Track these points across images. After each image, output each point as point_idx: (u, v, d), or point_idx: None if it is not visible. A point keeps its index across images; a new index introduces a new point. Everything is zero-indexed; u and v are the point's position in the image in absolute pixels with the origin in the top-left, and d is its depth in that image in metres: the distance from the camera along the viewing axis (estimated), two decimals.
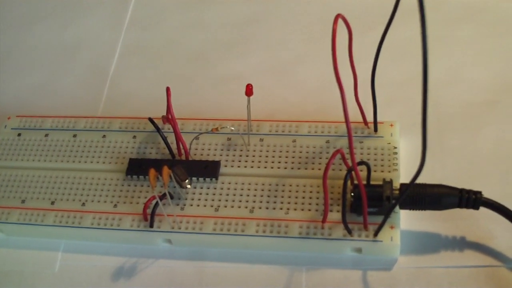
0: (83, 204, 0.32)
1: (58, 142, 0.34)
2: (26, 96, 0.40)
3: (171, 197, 0.31)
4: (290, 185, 0.30)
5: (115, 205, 0.31)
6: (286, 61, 0.39)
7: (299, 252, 0.30)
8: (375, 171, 0.30)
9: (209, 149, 0.33)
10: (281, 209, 0.30)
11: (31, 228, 0.31)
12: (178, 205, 0.31)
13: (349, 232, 0.28)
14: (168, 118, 0.31)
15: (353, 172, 0.26)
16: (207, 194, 0.31)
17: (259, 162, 0.32)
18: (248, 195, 0.30)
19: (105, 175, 0.33)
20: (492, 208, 0.28)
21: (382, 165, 0.30)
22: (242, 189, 0.31)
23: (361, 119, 0.32)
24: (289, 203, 0.30)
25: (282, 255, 0.30)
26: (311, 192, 0.30)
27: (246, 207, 0.30)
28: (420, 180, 0.23)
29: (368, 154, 0.31)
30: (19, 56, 0.43)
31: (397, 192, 0.28)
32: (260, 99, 0.31)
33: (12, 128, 0.36)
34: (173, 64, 0.40)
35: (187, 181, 0.30)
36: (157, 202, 0.30)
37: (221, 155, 0.32)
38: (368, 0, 0.40)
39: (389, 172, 0.30)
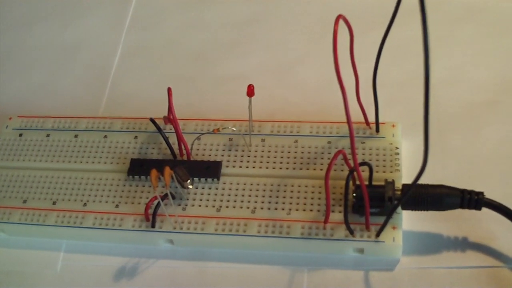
0: (85, 204, 0.32)
1: (60, 143, 0.34)
2: (27, 96, 0.40)
3: (173, 198, 0.31)
4: (292, 186, 0.30)
5: (117, 206, 0.31)
6: (287, 61, 0.39)
7: (301, 253, 0.30)
8: (377, 171, 0.30)
9: (210, 150, 0.33)
10: (283, 209, 0.30)
11: (33, 228, 0.31)
12: (179, 205, 0.31)
13: (351, 232, 0.28)
14: (170, 118, 0.31)
15: (355, 173, 0.26)
16: (209, 194, 0.31)
17: (261, 162, 0.32)
18: (249, 196, 0.30)
19: (106, 175, 0.33)
20: (494, 208, 0.28)
21: (384, 166, 0.30)
22: (244, 190, 0.31)
23: (362, 120, 0.32)
24: (291, 203, 0.30)
25: (284, 256, 0.30)
26: (313, 192, 0.30)
27: (248, 208, 0.30)
28: (420, 180, 0.23)
29: (370, 154, 0.31)
30: (20, 56, 0.43)
31: (399, 192, 0.28)
32: (260, 99, 0.31)
33: (13, 129, 0.36)
34: (174, 64, 0.40)
35: (188, 181, 0.30)
36: (158, 203, 0.30)
37: (222, 156, 0.32)
38: (368, 0, 0.40)
39: (391, 172, 0.30)
